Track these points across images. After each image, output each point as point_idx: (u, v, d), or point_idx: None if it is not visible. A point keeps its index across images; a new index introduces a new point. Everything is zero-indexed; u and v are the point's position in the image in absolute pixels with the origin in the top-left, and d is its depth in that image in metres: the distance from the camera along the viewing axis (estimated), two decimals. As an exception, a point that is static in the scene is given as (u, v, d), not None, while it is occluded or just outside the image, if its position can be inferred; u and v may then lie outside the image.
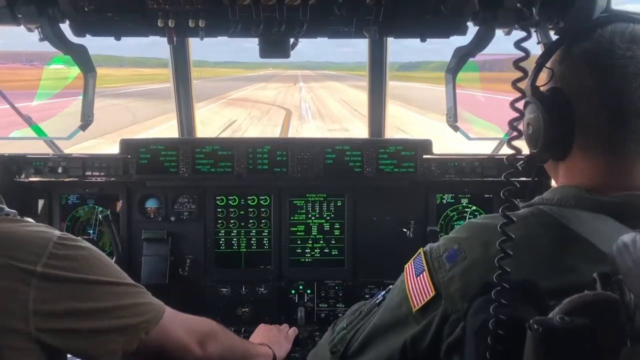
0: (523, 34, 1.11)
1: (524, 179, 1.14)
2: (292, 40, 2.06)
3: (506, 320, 1.03)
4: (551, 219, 1.21)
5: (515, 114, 1.14)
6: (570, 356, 0.89)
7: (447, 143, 8.05)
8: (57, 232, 1.30)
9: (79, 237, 1.36)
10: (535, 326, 0.88)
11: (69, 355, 1.39)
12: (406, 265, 1.40)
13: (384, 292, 1.55)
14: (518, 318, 0.98)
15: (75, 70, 2.30)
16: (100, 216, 2.79)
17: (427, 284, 1.27)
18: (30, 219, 1.34)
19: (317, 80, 79.92)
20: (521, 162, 1.18)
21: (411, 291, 1.32)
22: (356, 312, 1.60)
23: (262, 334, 2.51)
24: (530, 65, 1.19)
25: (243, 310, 2.92)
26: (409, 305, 1.31)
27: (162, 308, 1.46)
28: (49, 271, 1.22)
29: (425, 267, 1.30)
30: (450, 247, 1.29)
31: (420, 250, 1.38)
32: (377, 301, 1.52)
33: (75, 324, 1.25)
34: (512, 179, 1.10)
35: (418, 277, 1.31)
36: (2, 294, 1.18)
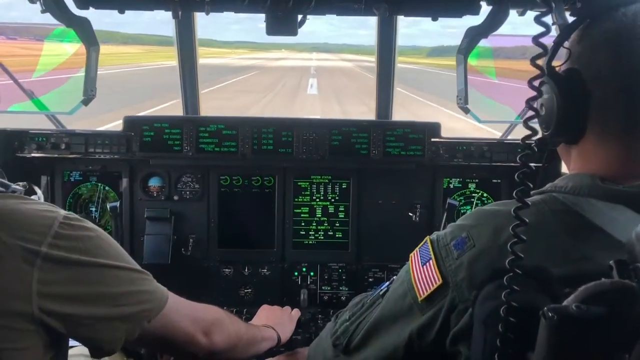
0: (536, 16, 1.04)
1: (535, 164, 1.10)
2: (299, 17, 2.00)
3: (518, 307, 1.00)
4: (564, 206, 1.17)
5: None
6: (585, 345, 0.86)
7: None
8: (63, 212, 1.26)
9: (84, 219, 1.32)
10: (550, 314, 0.84)
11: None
12: (411, 254, 1.36)
13: (387, 282, 1.51)
14: (530, 305, 0.95)
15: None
16: (108, 206, 2.79)
17: (434, 272, 1.23)
18: (34, 198, 1.30)
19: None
20: (533, 143, 1.13)
21: (417, 280, 1.28)
22: (359, 304, 1.56)
23: (266, 314, 2.49)
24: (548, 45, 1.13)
25: (245, 291, 2.91)
26: (414, 295, 1.28)
27: (166, 296, 1.42)
28: (53, 252, 1.18)
29: (432, 255, 1.26)
30: (458, 235, 1.25)
31: (427, 238, 1.33)
32: (381, 292, 1.48)
33: (77, 308, 1.22)
34: (528, 162, 1.06)
35: (424, 266, 1.27)
36: (6, 274, 1.14)
